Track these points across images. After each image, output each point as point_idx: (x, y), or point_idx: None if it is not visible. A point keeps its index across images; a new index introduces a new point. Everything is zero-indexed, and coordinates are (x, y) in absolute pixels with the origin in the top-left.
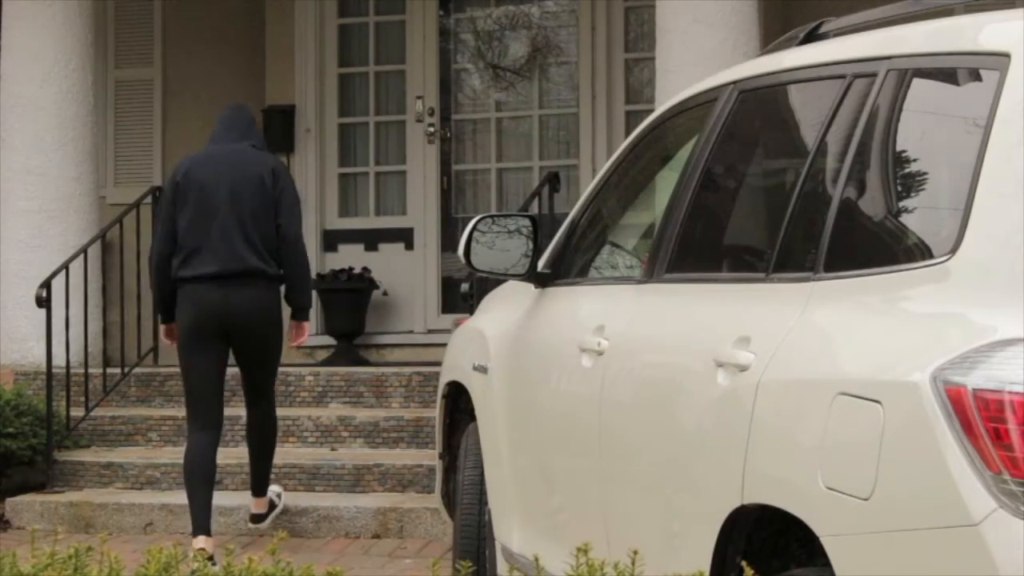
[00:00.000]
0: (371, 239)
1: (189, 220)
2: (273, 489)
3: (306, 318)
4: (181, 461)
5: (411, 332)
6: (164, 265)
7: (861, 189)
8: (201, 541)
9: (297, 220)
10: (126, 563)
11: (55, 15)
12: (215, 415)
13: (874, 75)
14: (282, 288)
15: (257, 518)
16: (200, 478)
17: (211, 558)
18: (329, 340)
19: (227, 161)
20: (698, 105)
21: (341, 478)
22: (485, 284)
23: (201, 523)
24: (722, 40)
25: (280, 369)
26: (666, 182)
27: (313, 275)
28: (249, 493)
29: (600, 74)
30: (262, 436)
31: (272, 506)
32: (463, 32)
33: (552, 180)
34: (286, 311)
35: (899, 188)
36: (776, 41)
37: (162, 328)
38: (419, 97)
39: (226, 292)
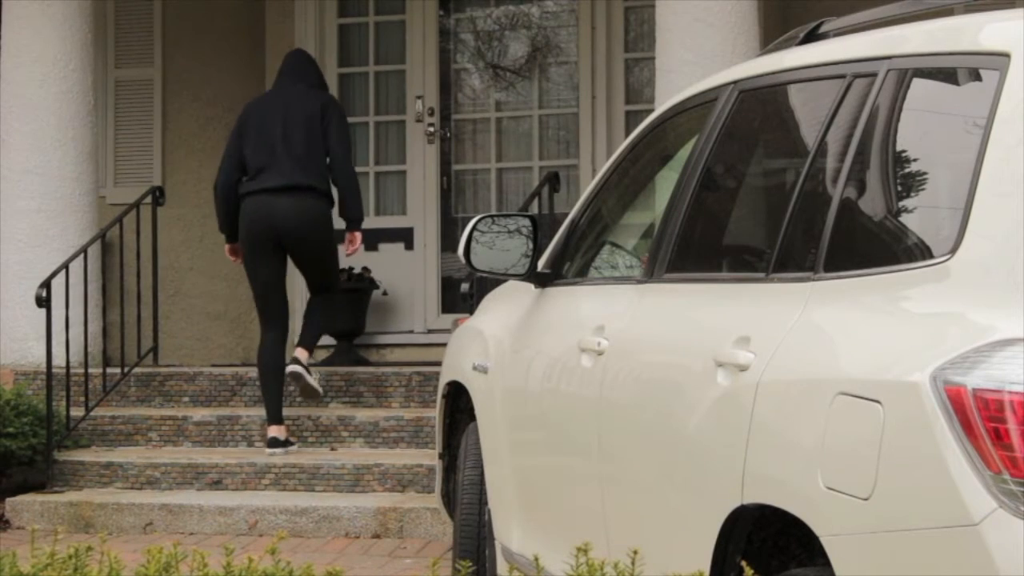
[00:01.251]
0: (371, 239)
1: (252, 149)
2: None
3: (358, 228)
4: (180, 461)
5: (411, 332)
6: (228, 191)
7: (861, 189)
8: (274, 430)
9: (346, 145)
10: (126, 563)
11: (55, 15)
12: (279, 316)
13: (874, 75)
14: (334, 206)
15: (296, 361)
16: (271, 374)
17: (285, 442)
18: (329, 340)
19: (282, 100)
20: (698, 105)
21: (341, 478)
22: (485, 284)
23: (274, 414)
24: (722, 40)
25: None
26: (666, 182)
27: None
28: (249, 493)
29: (600, 74)
30: (317, 304)
31: (308, 369)
32: (463, 32)
33: (552, 180)
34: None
35: (899, 188)
36: (776, 41)
37: (227, 248)
38: (419, 97)
39: (274, 203)
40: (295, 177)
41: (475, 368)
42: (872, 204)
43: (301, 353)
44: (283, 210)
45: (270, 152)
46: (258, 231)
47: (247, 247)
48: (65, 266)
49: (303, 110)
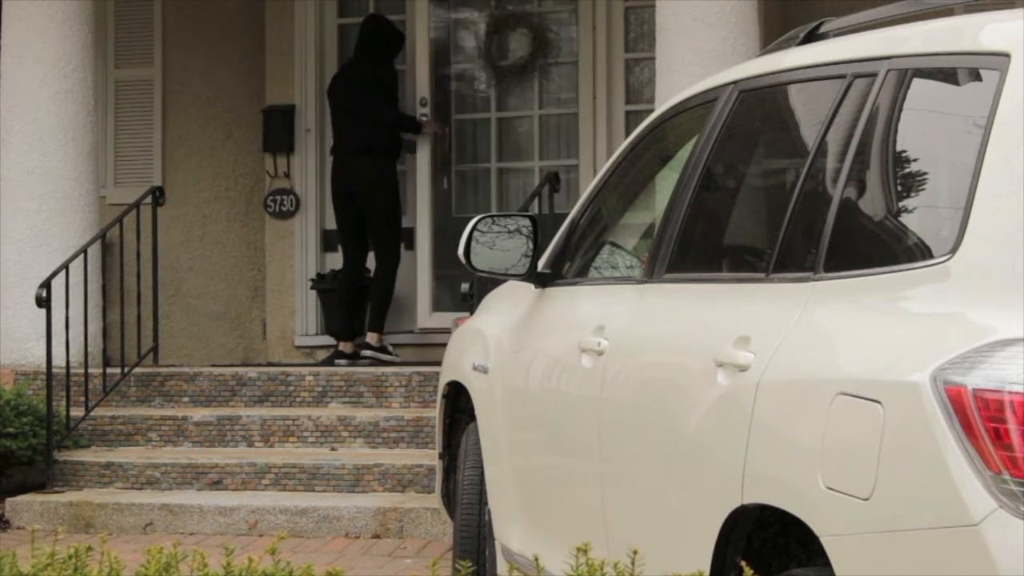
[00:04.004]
0: None
1: (332, 119)
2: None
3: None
4: (180, 461)
5: (411, 332)
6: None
7: (861, 189)
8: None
9: (392, 108)
10: (126, 563)
11: (55, 15)
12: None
13: (874, 75)
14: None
15: (366, 346)
16: (345, 291)
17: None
18: (329, 340)
19: (350, 76)
20: (698, 105)
21: (341, 478)
22: (485, 284)
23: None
24: (722, 40)
25: (280, 369)
26: (666, 182)
27: (313, 274)
28: (249, 493)
29: (600, 74)
30: (377, 286)
31: (384, 350)
32: (463, 32)
33: (552, 180)
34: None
35: (899, 188)
36: (776, 41)
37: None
38: (419, 97)
39: (347, 163)
40: (357, 142)
41: (475, 368)
42: (872, 204)
43: (372, 337)
44: (352, 167)
45: (342, 121)
46: (338, 185)
47: (333, 197)
48: (65, 266)
49: (365, 85)
